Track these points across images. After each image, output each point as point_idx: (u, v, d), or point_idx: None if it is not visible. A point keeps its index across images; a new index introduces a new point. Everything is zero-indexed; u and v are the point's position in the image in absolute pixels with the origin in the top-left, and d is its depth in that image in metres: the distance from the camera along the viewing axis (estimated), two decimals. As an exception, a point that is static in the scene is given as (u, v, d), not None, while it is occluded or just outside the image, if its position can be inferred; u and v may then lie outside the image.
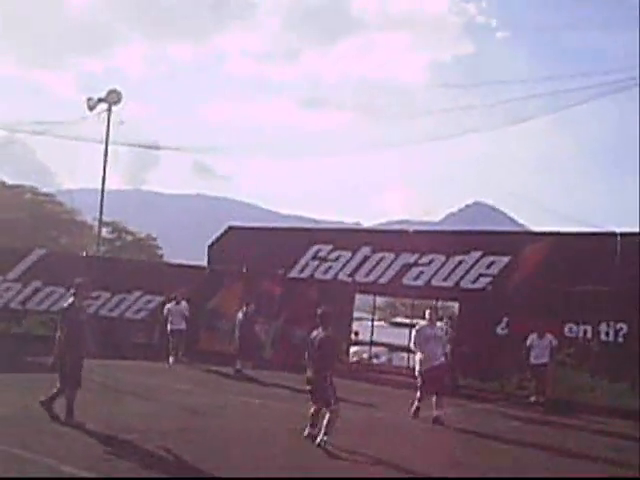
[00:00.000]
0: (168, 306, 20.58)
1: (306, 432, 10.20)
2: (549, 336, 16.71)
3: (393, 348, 24.15)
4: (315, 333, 10.42)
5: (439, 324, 14.10)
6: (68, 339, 10.10)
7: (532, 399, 16.61)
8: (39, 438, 8.93)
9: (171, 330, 20.33)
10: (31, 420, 9.93)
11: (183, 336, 20.40)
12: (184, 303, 20.54)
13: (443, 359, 13.14)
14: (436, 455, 10.17)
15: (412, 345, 13.34)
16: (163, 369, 18.35)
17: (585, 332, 17.45)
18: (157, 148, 46.49)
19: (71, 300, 10.37)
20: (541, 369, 16.62)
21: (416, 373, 13.24)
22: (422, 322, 13.48)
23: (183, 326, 20.41)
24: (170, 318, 20.42)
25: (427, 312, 13.34)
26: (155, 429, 10.25)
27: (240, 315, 19.11)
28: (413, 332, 13.47)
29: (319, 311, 10.62)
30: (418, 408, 12.93)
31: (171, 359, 19.86)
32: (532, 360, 16.67)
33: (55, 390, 10.22)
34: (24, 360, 16.79)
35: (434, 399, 12.53)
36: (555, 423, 14.12)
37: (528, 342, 16.75)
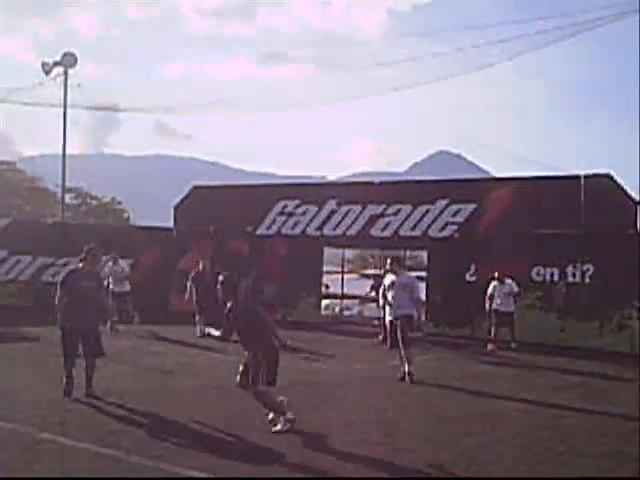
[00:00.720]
0: (105, 268, 18.23)
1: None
2: (510, 282, 16.88)
3: (363, 300, 24.31)
4: None
5: (407, 273, 13.70)
6: (72, 306, 9.76)
7: (513, 345, 16.66)
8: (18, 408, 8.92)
9: (112, 292, 18.12)
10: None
11: (127, 300, 18.92)
12: (122, 262, 18.95)
13: (408, 310, 12.28)
14: (416, 405, 10.29)
15: (375, 295, 13.39)
16: (137, 330, 18.24)
17: (552, 275, 17.73)
18: (117, 110, 45.99)
19: (77, 266, 10.30)
20: (508, 316, 16.79)
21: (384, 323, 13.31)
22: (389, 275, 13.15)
23: (126, 288, 18.82)
24: (109, 280, 18.20)
25: (388, 260, 13.00)
26: (133, 390, 10.30)
27: (192, 274, 18.54)
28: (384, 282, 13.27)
29: None
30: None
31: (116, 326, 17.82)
32: (498, 307, 16.84)
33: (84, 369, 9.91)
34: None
35: (402, 352, 12.07)
36: (526, 365, 14.36)
37: (489, 290, 16.98)
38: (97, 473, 6.53)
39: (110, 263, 18.76)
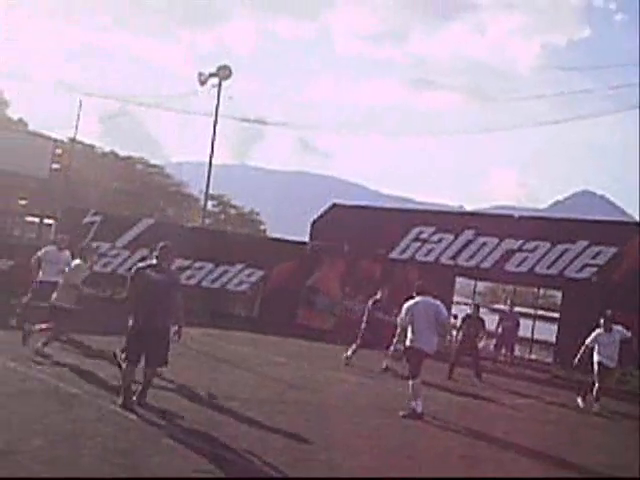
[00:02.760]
0: (43, 250, 14.86)
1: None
2: (618, 329, 14.43)
3: (490, 334, 23.87)
4: None
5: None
6: (145, 303, 9.09)
7: (595, 407, 13.85)
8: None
9: (39, 282, 14.29)
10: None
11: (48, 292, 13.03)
12: (67, 253, 14.60)
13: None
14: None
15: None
16: (262, 340, 18.57)
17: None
18: (263, 123, 47.28)
19: (152, 262, 9.45)
20: (608, 371, 14.25)
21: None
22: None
23: (55, 278, 13.44)
24: (42, 265, 14.48)
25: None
26: (254, 398, 10.51)
27: (371, 301, 17.04)
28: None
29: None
30: None
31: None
32: (601, 360, 14.21)
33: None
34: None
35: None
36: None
37: (591, 339, 14.37)
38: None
39: (54, 246, 15.02)
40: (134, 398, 8.93)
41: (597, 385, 14.05)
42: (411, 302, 11.47)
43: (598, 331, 14.29)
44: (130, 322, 9.06)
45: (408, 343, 11.24)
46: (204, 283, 23.08)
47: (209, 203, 43.41)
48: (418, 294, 11.59)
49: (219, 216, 54.77)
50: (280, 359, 15.53)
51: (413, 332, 11.17)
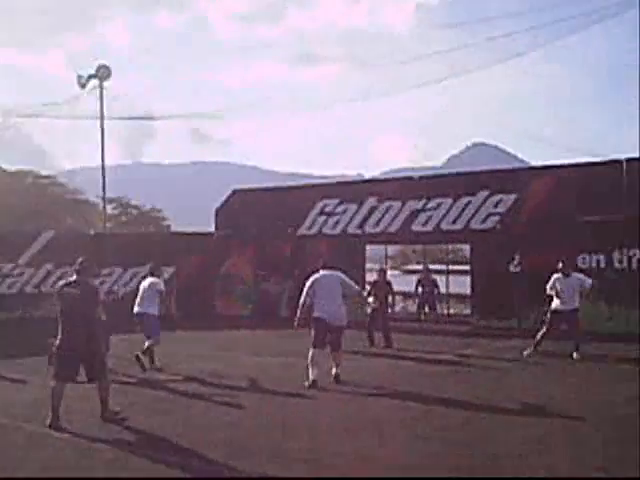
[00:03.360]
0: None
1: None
2: (577, 276, 14.37)
3: (407, 295, 24.23)
4: None
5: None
6: (68, 321, 8.93)
7: (575, 356, 13.73)
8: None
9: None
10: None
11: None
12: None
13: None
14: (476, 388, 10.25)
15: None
16: (184, 337, 18.32)
17: (598, 262, 17.48)
18: (152, 119, 46.33)
19: (71, 278, 9.27)
20: (571, 315, 14.05)
21: None
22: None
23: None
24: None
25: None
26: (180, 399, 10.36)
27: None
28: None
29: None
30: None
31: None
32: (558, 307, 14.11)
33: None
34: (46, 342, 16.86)
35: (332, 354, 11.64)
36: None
37: (550, 285, 14.24)
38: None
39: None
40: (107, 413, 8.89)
41: (543, 330, 14.22)
42: (314, 276, 11.68)
43: (555, 276, 14.16)
44: (57, 341, 8.92)
45: (313, 314, 11.48)
46: (116, 288, 22.61)
47: (108, 207, 42.50)
48: (323, 268, 11.80)
49: (120, 218, 53.75)
50: (203, 352, 15.38)
51: (316, 304, 11.42)
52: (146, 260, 22.75)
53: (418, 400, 9.92)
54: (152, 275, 13.90)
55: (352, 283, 11.93)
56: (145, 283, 13.80)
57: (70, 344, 8.85)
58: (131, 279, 22.75)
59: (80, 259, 9.30)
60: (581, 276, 14.41)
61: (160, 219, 58.14)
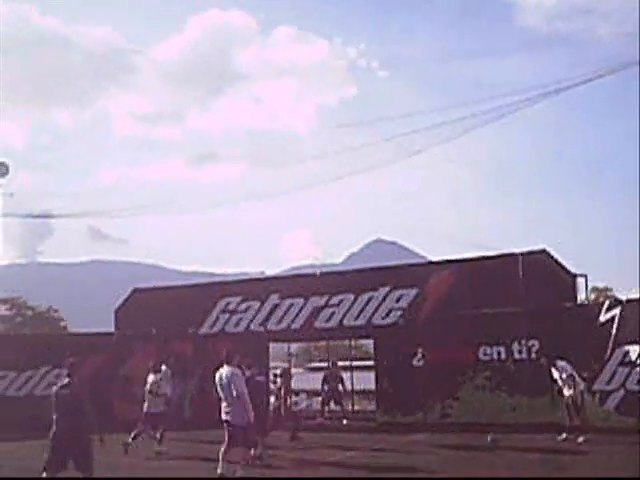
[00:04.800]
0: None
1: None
2: (562, 363, 15.40)
3: (311, 393, 23.99)
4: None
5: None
6: (58, 419, 9.81)
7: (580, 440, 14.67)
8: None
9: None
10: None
11: None
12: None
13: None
14: None
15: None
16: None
17: (499, 353, 17.74)
18: (50, 217, 45.33)
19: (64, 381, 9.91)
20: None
21: None
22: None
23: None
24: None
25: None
26: None
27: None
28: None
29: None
30: None
31: None
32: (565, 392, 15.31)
33: None
34: None
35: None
36: (483, 447, 14.16)
37: (556, 374, 15.43)
38: None
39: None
40: None
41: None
42: (217, 373, 11.40)
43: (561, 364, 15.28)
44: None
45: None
46: (9, 392, 21.71)
47: (2, 307, 41.14)
48: (226, 363, 11.41)
49: (15, 319, 51.96)
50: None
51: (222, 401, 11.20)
52: (40, 363, 22.04)
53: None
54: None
55: (238, 384, 11.12)
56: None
57: (61, 440, 9.56)
58: (26, 382, 21.92)
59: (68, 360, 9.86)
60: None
61: (57, 320, 56.47)
